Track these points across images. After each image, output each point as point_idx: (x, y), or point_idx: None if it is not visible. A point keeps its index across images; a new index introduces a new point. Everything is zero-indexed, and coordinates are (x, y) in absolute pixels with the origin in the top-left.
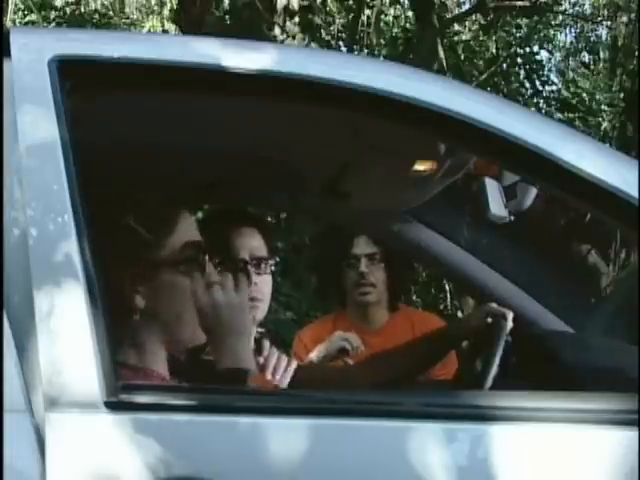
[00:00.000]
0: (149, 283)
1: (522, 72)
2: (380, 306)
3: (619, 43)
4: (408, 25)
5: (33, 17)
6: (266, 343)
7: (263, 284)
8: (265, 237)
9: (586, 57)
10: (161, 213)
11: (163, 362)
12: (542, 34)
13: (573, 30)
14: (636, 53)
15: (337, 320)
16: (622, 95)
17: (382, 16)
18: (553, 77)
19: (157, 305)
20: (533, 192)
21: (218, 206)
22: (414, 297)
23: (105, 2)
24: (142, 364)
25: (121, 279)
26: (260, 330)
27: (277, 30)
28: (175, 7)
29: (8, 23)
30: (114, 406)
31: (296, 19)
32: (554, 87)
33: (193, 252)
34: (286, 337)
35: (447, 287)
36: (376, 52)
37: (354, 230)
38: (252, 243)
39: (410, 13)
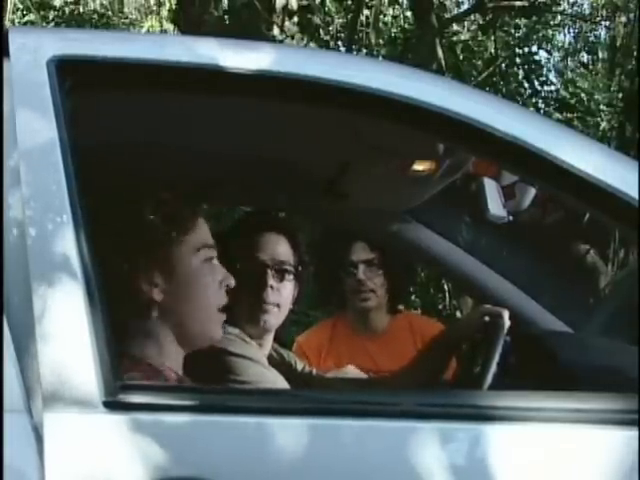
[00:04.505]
0: (165, 279)
1: (521, 72)
2: (380, 311)
3: (618, 43)
4: (407, 25)
5: (32, 17)
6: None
7: (283, 291)
8: (293, 246)
9: (585, 57)
10: (182, 212)
11: (176, 357)
12: (541, 34)
13: (572, 30)
14: (635, 53)
15: (336, 325)
16: (621, 95)
17: (381, 16)
18: (552, 77)
19: (171, 301)
20: (532, 192)
21: (250, 209)
22: (413, 297)
23: (104, 2)
24: (154, 358)
25: (135, 274)
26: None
27: (276, 30)
28: (174, 7)
29: (7, 23)
30: (112, 406)
31: (295, 19)
32: (553, 87)
33: (208, 253)
34: (285, 338)
35: (446, 287)
36: (375, 52)
37: (351, 235)
38: (277, 248)
39: (409, 13)
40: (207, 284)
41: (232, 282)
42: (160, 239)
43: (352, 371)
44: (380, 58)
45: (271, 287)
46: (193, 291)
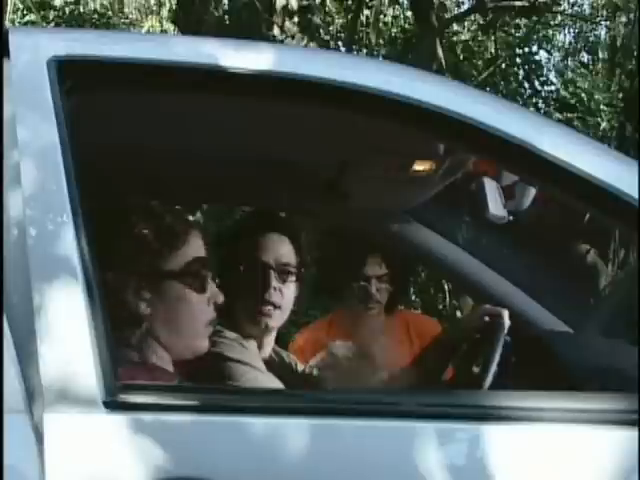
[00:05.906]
0: (152, 290)
1: (521, 72)
2: (379, 314)
3: (618, 43)
4: (407, 25)
5: (32, 17)
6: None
7: (285, 292)
8: (295, 247)
9: (585, 57)
10: (175, 225)
11: (167, 361)
12: (541, 34)
13: (572, 30)
14: (635, 53)
15: (333, 323)
16: (621, 95)
17: (381, 16)
18: (552, 77)
19: (158, 312)
20: (532, 192)
21: (253, 209)
22: (413, 297)
23: (104, 2)
24: (146, 361)
25: (124, 282)
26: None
27: (276, 30)
28: (174, 7)
29: (7, 23)
30: (113, 406)
31: (295, 19)
32: (553, 87)
33: (198, 267)
34: (284, 337)
35: (446, 287)
36: (375, 52)
37: (367, 248)
38: (280, 250)
39: (409, 13)
40: (193, 300)
41: (221, 299)
42: (149, 253)
43: (338, 346)
44: (380, 58)
45: (274, 288)
46: (179, 307)
